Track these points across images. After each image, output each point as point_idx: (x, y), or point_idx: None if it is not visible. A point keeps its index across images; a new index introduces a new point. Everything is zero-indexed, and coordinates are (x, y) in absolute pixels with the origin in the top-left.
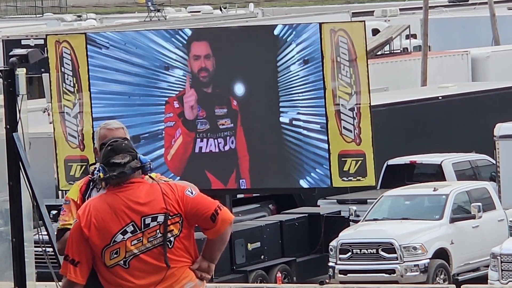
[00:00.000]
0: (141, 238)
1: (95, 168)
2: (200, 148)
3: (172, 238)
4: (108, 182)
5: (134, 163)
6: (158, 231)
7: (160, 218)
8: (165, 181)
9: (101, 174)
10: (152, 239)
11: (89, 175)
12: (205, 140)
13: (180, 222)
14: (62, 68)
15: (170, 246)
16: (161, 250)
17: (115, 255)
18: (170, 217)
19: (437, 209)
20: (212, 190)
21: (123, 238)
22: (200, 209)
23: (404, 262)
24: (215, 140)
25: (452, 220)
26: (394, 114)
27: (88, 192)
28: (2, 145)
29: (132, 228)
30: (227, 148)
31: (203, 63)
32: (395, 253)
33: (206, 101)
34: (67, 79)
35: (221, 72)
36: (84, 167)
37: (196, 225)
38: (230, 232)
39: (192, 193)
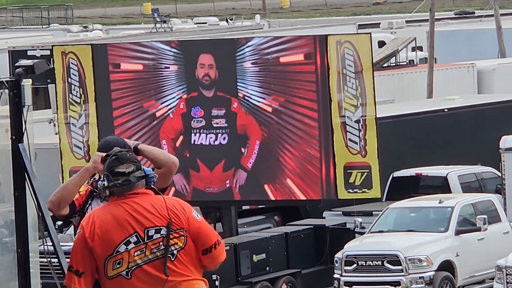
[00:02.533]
0: (144, 249)
1: (94, 179)
2: (194, 141)
3: (175, 251)
4: (112, 191)
5: (138, 173)
6: (161, 243)
7: (164, 231)
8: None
9: (105, 183)
10: (156, 250)
11: (88, 185)
12: (198, 134)
13: (184, 236)
14: (69, 78)
15: (172, 259)
16: (163, 262)
17: (118, 266)
18: (173, 231)
19: (442, 222)
20: (218, 201)
21: (126, 248)
22: (201, 237)
23: (410, 274)
24: (207, 135)
25: (458, 233)
26: (400, 126)
27: (90, 203)
28: (8, 155)
29: (136, 239)
30: (217, 143)
31: (206, 70)
32: (401, 265)
33: (207, 103)
34: (74, 89)
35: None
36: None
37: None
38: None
39: (198, 216)
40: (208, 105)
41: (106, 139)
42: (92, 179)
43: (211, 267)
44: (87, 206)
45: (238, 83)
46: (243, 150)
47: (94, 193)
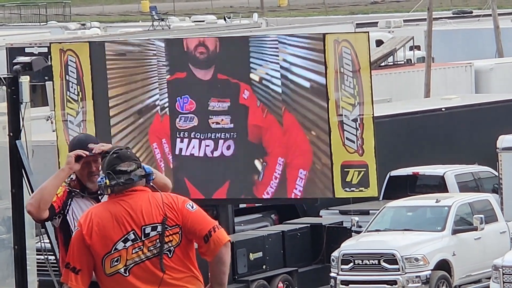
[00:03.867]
0: (142, 246)
1: (71, 178)
2: (180, 150)
3: (172, 248)
4: (113, 189)
5: (139, 171)
6: (157, 240)
7: (160, 228)
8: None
9: (107, 181)
10: (152, 248)
11: (65, 185)
12: (186, 140)
13: (179, 233)
14: (67, 76)
15: (170, 256)
16: (159, 258)
17: (116, 263)
18: (169, 227)
19: (439, 221)
20: (213, 199)
21: (124, 246)
22: (197, 227)
23: (406, 273)
24: (202, 142)
25: (454, 232)
26: (397, 125)
27: (69, 204)
28: (5, 152)
29: (133, 237)
30: (217, 154)
31: (201, 39)
32: (397, 264)
33: (200, 90)
34: (71, 87)
35: (227, 54)
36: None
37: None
38: (227, 254)
39: (192, 207)
40: (203, 93)
41: (78, 138)
42: (69, 179)
43: (217, 253)
44: (67, 207)
45: (251, 60)
46: (258, 169)
47: (73, 193)
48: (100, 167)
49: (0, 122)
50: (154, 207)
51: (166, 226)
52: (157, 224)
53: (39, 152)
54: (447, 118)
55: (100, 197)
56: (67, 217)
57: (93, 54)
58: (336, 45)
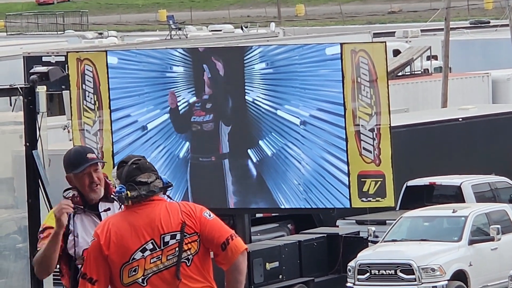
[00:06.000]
0: (160, 256)
1: (73, 194)
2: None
3: (190, 256)
4: (134, 201)
5: (158, 182)
6: (176, 249)
7: (179, 236)
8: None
9: (129, 192)
10: (171, 256)
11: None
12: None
13: (198, 240)
14: (83, 85)
15: (188, 264)
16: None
17: (134, 273)
18: (187, 235)
19: (456, 231)
20: (231, 209)
21: (143, 255)
22: (214, 234)
23: (422, 283)
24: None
25: (471, 242)
26: (414, 135)
27: (73, 219)
28: (22, 162)
29: (152, 246)
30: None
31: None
32: (413, 274)
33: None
34: (88, 96)
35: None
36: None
37: (210, 250)
38: (244, 263)
39: (209, 215)
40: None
41: (74, 149)
42: (70, 195)
43: (234, 261)
44: (70, 226)
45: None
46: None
47: (74, 209)
48: (115, 176)
49: (16, 131)
50: (172, 215)
51: (185, 234)
52: (176, 232)
53: (56, 161)
54: (464, 128)
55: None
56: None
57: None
58: (353, 55)
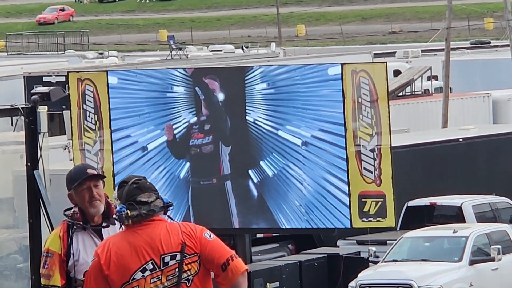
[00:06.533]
0: (160, 276)
1: (74, 211)
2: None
3: (191, 277)
4: (134, 220)
5: (159, 202)
6: (177, 269)
7: (179, 257)
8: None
9: (129, 211)
10: (171, 277)
11: (66, 220)
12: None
13: (198, 261)
14: (84, 105)
15: (188, 285)
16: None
17: None
18: (187, 256)
19: (456, 251)
20: (231, 229)
21: (143, 276)
22: (214, 255)
23: None
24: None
25: (472, 262)
26: (414, 156)
27: (70, 239)
28: (23, 182)
29: (152, 266)
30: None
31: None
32: None
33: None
34: (89, 116)
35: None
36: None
37: (211, 271)
38: (244, 283)
39: (210, 236)
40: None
41: (76, 166)
42: (71, 212)
43: (234, 282)
44: (71, 250)
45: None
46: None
47: (74, 226)
48: (116, 197)
49: (17, 151)
50: (172, 236)
51: (185, 254)
52: (176, 253)
53: (57, 181)
54: (464, 148)
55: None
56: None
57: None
58: (354, 75)
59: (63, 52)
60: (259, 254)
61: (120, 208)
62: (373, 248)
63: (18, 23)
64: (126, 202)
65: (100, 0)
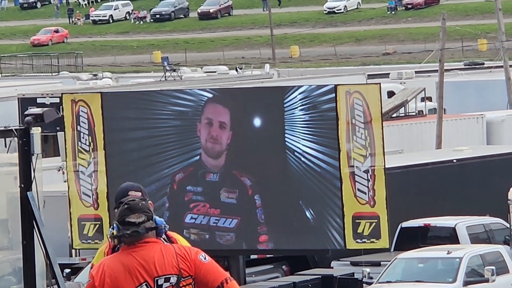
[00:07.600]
0: None
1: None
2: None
3: None
4: (121, 240)
5: (149, 223)
6: None
7: (173, 279)
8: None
9: (115, 232)
10: None
11: (110, 241)
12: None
13: (192, 284)
14: (78, 126)
15: None
16: None
17: None
18: (183, 279)
19: (450, 272)
20: (227, 250)
21: None
22: (209, 278)
23: None
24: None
25: (466, 284)
26: (408, 177)
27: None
28: (16, 203)
29: None
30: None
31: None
32: None
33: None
34: (83, 137)
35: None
36: (97, 226)
37: None
38: None
39: (205, 258)
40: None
41: (122, 186)
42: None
43: None
44: None
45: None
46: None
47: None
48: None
49: (11, 172)
50: (167, 258)
51: (181, 277)
52: (170, 276)
53: (51, 203)
54: (458, 169)
55: None
56: None
57: (105, 104)
58: (348, 96)
59: (57, 73)
60: (253, 276)
61: (111, 229)
62: (367, 269)
63: (12, 44)
64: (117, 222)
65: (94, 22)
